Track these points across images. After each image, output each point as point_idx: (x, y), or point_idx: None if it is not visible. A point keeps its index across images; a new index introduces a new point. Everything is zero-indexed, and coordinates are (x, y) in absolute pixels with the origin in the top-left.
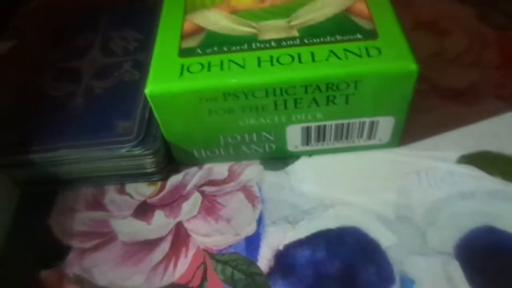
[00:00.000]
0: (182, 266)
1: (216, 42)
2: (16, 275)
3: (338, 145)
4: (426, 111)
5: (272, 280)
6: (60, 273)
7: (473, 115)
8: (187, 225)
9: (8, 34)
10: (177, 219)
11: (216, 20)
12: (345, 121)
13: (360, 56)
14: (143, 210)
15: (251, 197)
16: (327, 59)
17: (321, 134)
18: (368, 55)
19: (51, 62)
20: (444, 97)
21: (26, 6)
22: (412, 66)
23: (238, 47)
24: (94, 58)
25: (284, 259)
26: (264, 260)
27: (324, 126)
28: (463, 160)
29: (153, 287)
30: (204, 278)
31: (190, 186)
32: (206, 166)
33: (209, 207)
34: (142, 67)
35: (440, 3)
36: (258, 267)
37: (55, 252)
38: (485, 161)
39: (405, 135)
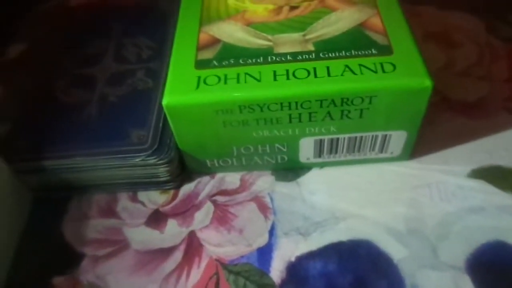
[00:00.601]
0: (195, 276)
1: (232, 55)
2: (28, 281)
3: (349, 157)
4: (436, 123)
5: None
6: (74, 280)
7: (484, 129)
8: (199, 235)
9: (19, 37)
10: (190, 228)
11: (231, 32)
12: (358, 135)
13: (375, 71)
14: (156, 219)
15: (263, 208)
16: (342, 74)
17: (333, 146)
18: (383, 70)
19: (63, 68)
20: (454, 110)
21: (37, 9)
22: (426, 82)
23: (254, 60)
24: (107, 65)
25: (296, 271)
26: (277, 271)
27: (337, 139)
28: (474, 174)
29: None
30: None
31: (202, 195)
32: (218, 175)
33: (221, 217)
34: (155, 75)
35: (449, 14)
36: (270, 279)
37: (68, 259)
38: (496, 175)
39: (416, 148)
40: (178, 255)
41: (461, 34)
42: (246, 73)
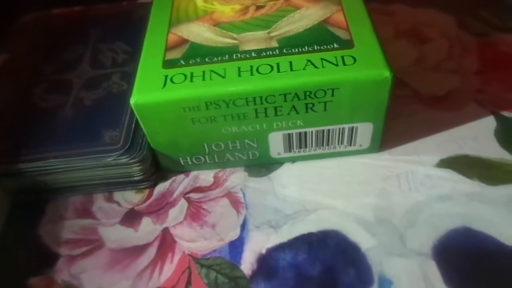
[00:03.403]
0: (168, 271)
1: (199, 54)
2: (6, 282)
3: (320, 151)
4: (407, 116)
5: (254, 283)
6: (50, 280)
7: (453, 120)
8: (173, 231)
9: (2, 48)
10: (164, 226)
11: (199, 32)
12: (325, 128)
13: (336, 64)
14: (131, 217)
15: (236, 203)
16: (304, 68)
17: (302, 140)
18: (344, 63)
19: (42, 75)
20: (425, 103)
21: (19, 20)
22: (386, 73)
23: (219, 58)
24: (84, 70)
25: (267, 263)
26: (247, 263)
27: (305, 132)
28: (442, 164)
29: None
30: (188, 282)
31: (176, 193)
32: (193, 173)
33: (195, 213)
34: (130, 78)
35: (421, 12)
36: (241, 271)
37: (45, 260)
38: (463, 164)
39: (387, 140)
40: (151, 252)
41: (432, 30)
42: (211, 71)
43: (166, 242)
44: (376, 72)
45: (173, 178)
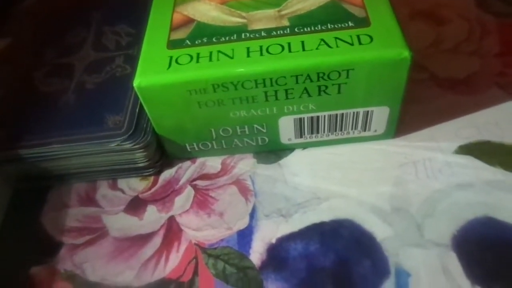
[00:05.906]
0: (174, 261)
1: (206, 33)
2: (7, 271)
3: (332, 137)
4: (424, 101)
5: (264, 274)
6: (52, 269)
7: (473, 105)
8: (179, 220)
9: (4, 33)
10: (169, 214)
11: (205, 11)
12: (338, 112)
13: (351, 44)
14: (135, 205)
15: (244, 191)
16: (317, 48)
17: (314, 125)
18: (360, 43)
19: (44, 59)
20: (443, 86)
21: (21, 4)
22: (404, 53)
23: (227, 38)
24: (87, 53)
25: (277, 253)
26: (257, 253)
27: (317, 117)
28: (462, 150)
29: (143, 282)
30: (195, 272)
31: (182, 180)
32: (199, 160)
33: (202, 201)
34: (134, 61)
35: None
36: (250, 261)
37: (47, 248)
38: (484, 151)
39: (403, 125)
40: (157, 241)
41: (450, 10)
42: (218, 51)
43: (172, 231)
44: (394, 51)
45: (179, 164)
